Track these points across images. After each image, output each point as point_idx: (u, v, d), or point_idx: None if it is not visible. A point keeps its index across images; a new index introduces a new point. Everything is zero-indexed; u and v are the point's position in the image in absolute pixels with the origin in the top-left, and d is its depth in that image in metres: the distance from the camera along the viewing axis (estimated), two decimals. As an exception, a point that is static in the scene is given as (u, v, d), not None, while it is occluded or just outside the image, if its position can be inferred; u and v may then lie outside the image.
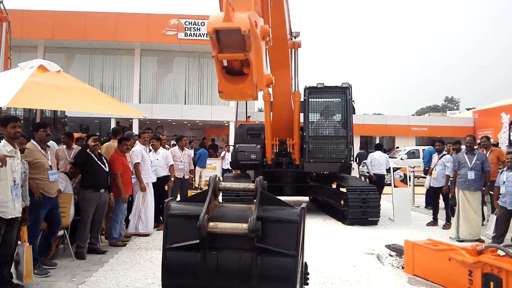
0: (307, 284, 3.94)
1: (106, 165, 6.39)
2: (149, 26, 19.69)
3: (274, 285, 3.29)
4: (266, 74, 3.79)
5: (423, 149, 20.21)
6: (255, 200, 3.44)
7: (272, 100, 9.08)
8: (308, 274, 3.97)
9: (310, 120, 9.66)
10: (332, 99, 9.86)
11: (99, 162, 6.23)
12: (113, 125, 20.01)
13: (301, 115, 9.66)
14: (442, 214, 9.30)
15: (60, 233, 5.86)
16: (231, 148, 16.75)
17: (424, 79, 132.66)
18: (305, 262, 3.86)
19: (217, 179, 3.71)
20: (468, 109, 41.10)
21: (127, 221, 7.62)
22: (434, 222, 9.17)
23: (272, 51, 7.35)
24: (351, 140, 9.55)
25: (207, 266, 3.32)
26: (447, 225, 8.74)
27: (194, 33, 19.59)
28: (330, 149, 9.53)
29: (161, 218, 8.33)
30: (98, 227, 6.34)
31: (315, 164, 9.68)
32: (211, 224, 3.30)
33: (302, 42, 8.85)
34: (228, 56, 3.32)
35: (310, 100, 9.66)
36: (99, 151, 6.46)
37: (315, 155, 9.48)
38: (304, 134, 9.54)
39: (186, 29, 19.60)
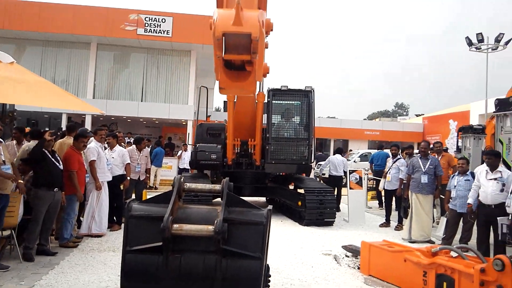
0: (268, 286, 3.93)
1: (60, 162, 6.11)
2: (107, 20, 19.06)
3: (238, 287, 3.26)
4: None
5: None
6: (215, 201, 3.41)
7: (235, 100, 9.05)
8: (269, 276, 3.96)
9: (272, 122, 9.71)
10: (295, 102, 9.98)
11: (53, 159, 5.94)
12: (64, 120, 19.24)
13: (263, 116, 9.71)
14: (394, 216, 9.61)
15: (7, 233, 5.53)
16: (189, 147, 16.61)
17: (375, 85, 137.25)
18: (267, 264, 3.85)
19: (181, 179, 3.64)
20: (417, 115, 42.90)
21: (78, 221, 7.33)
22: (386, 223, 9.48)
23: None
24: (313, 142, 9.73)
25: (170, 269, 3.24)
26: (399, 227, 9.05)
27: (154, 30, 19.16)
28: (291, 151, 9.64)
29: (115, 218, 8.10)
30: (49, 227, 6.03)
31: (277, 165, 9.79)
32: (175, 226, 3.23)
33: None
34: (234, 57, 3.22)
35: (273, 102, 9.73)
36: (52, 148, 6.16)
37: (277, 156, 9.56)
38: (267, 135, 9.58)
39: (146, 25, 19.14)
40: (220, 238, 3.17)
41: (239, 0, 2.87)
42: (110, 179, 7.63)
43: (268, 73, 3.40)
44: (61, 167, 6.10)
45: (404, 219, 8.81)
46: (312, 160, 10.16)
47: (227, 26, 2.95)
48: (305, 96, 9.83)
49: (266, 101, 9.53)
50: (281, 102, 9.93)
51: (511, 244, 6.33)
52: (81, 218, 7.38)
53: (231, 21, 2.93)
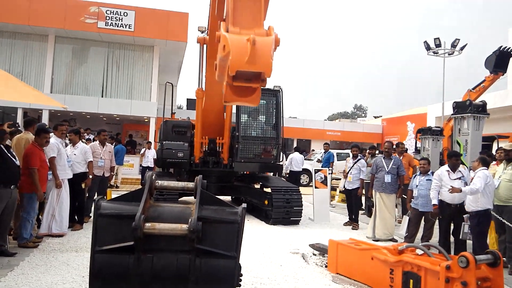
0: (240, 285, 3.88)
1: (16, 158, 5.80)
2: (66, 11, 18.31)
3: (212, 287, 3.18)
4: None
5: (337, 153, 21.30)
6: (181, 199, 3.31)
7: (204, 97, 8.93)
8: (241, 275, 3.91)
9: (241, 121, 9.66)
10: (263, 101, 9.96)
11: (9, 154, 5.63)
12: (19, 115, 18.35)
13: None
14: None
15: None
16: (152, 145, 16.27)
17: (335, 87, 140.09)
18: (239, 264, 3.80)
19: (153, 177, 3.52)
20: (375, 117, 44.04)
21: (37, 220, 6.99)
22: (351, 222, 9.64)
23: (216, 44, 7.24)
24: (281, 141, 9.76)
25: (142, 269, 3.12)
26: (349, 223, 9.33)
27: (115, 23, 18.60)
28: (260, 150, 9.63)
29: (76, 217, 7.79)
30: (6, 226, 5.70)
31: (245, 164, 9.75)
32: (147, 224, 3.11)
33: None
34: (244, 85, 3.15)
35: None
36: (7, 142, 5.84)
37: (246, 155, 9.52)
38: (236, 134, 9.51)
39: (107, 18, 18.56)
40: (194, 237, 3.08)
41: (254, 40, 2.82)
42: (71, 176, 7.33)
43: (278, 45, 3.29)
44: (18, 162, 5.79)
45: (368, 217, 8.99)
46: (281, 159, 10.19)
47: (241, 65, 2.91)
48: (274, 95, 9.87)
49: None
50: None
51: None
52: (40, 217, 7.05)
53: (245, 59, 2.88)
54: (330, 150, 15.09)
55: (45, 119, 18.50)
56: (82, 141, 9.17)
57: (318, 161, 16.86)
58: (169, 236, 3.15)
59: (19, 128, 7.41)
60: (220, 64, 3.24)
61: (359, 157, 9.72)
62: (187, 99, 28.59)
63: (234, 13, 3.25)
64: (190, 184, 3.53)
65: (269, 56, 2.98)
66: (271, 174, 10.98)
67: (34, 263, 5.40)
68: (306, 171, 18.01)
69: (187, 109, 27.54)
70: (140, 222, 3.03)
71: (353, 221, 9.40)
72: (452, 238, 6.89)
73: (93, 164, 8.16)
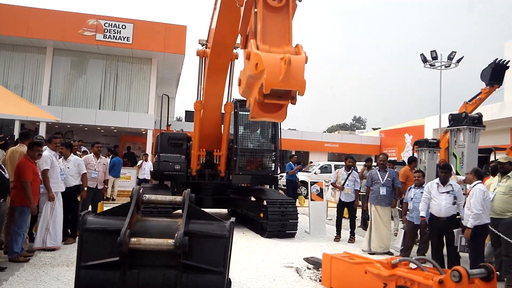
0: (230, 301, 3.83)
1: (5, 171, 5.76)
2: (64, 24, 18.40)
3: (199, 304, 3.14)
4: None
5: (335, 165, 21.29)
6: (175, 213, 3.29)
7: (202, 110, 8.96)
8: (231, 290, 3.86)
9: (239, 133, 9.65)
10: None
11: (-2, 167, 5.60)
12: (17, 127, 18.30)
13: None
14: (347, 227, 9.55)
15: None
16: (149, 157, 16.22)
17: (334, 99, 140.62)
18: (229, 279, 3.75)
19: (140, 190, 3.49)
20: (374, 129, 44.15)
21: (29, 234, 6.92)
22: (338, 237, 9.40)
23: (217, 57, 7.33)
24: (279, 154, 9.74)
25: (127, 285, 3.08)
26: (337, 238, 9.14)
27: (113, 36, 18.70)
28: (258, 162, 9.62)
29: (69, 231, 7.73)
30: (-5, 240, 5.66)
31: (243, 177, 9.73)
32: (133, 239, 3.08)
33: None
34: (274, 102, 3.17)
35: (240, 112, 9.68)
36: None
37: (243, 167, 9.49)
38: (234, 146, 9.48)
39: (106, 30, 18.65)
40: (181, 252, 3.05)
41: (290, 59, 2.86)
42: (63, 189, 7.28)
43: (306, 63, 3.32)
44: (7, 175, 5.75)
45: (364, 230, 8.91)
46: (278, 172, 10.16)
47: (276, 83, 2.95)
48: None
49: (233, 112, 9.48)
50: (248, 113, 9.88)
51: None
52: (33, 231, 6.98)
53: (279, 78, 2.92)
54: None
55: (42, 131, 18.47)
56: (77, 153, 9.16)
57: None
58: (155, 251, 3.12)
59: (9, 142, 7.38)
60: (249, 81, 3.26)
61: (353, 169, 9.62)
62: (186, 111, 28.62)
63: (263, 30, 3.30)
64: (178, 198, 3.51)
65: (303, 75, 3.04)
66: (268, 186, 10.94)
67: (24, 278, 5.33)
68: (303, 183, 17.97)
69: (185, 121, 27.56)
70: (125, 237, 3.00)
71: (336, 234, 9.24)
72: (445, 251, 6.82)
73: (86, 176, 8.12)
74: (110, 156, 14.43)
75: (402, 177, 8.98)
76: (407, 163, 9.50)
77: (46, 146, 7.20)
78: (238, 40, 7.16)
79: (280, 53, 3.06)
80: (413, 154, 15.27)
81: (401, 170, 9.46)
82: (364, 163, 11.16)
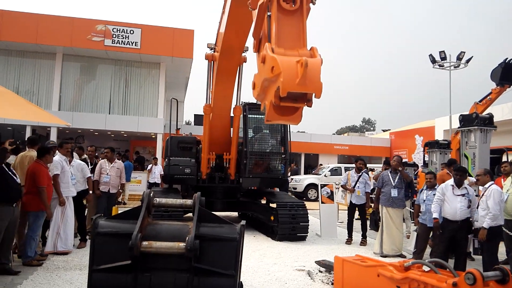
0: (241, 304, 3.80)
1: (17, 176, 5.81)
2: (73, 30, 18.60)
3: (211, 307, 3.12)
4: None
5: (345, 167, 21.19)
6: (186, 216, 3.28)
7: (212, 113, 8.97)
8: (243, 294, 3.84)
9: (249, 136, 9.65)
10: None
11: (9, 172, 5.64)
12: (28, 132, 18.52)
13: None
14: (359, 230, 9.55)
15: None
16: (159, 161, 16.29)
17: (343, 101, 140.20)
18: (241, 282, 3.73)
19: (151, 194, 3.49)
20: (384, 130, 43.85)
21: (42, 238, 6.98)
22: (362, 239, 9.36)
23: (226, 61, 7.35)
24: (289, 156, 9.71)
25: (139, 289, 3.07)
26: (349, 241, 9.08)
27: (122, 41, 18.84)
28: (268, 165, 9.60)
29: (78, 234, 7.79)
30: (9, 244, 5.70)
31: (253, 180, 9.73)
32: (144, 243, 3.07)
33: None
34: (290, 105, 3.18)
35: (249, 116, 9.68)
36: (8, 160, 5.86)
37: (253, 170, 9.48)
38: (244, 149, 9.48)
39: (114, 36, 18.81)
40: (192, 255, 3.04)
41: (307, 63, 2.86)
42: (75, 194, 7.34)
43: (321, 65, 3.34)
44: (18, 180, 5.81)
45: (375, 232, 8.82)
46: (288, 175, 10.14)
47: (293, 86, 2.95)
48: None
49: (242, 115, 9.49)
50: (257, 116, 9.88)
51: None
52: (46, 235, 7.04)
53: (296, 81, 2.92)
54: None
55: (53, 136, 18.66)
56: (94, 158, 9.27)
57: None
58: (166, 255, 3.11)
59: (20, 147, 7.45)
60: (264, 84, 3.26)
61: (364, 170, 9.58)
62: (195, 115, 28.71)
63: (278, 33, 3.29)
64: (189, 201, 3.50)
65: (319, 78, 3.03)
66: (277, 189, 10.92)
67: (38, 281, 5.37)
68: (313, 185, 17.89)
69: (194, 124, 27.64)
70: (137, 241, 3.00)
71: (348, 236, 9.20)
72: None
73: (96, 180, 8.21)
74: (120, 160, 14.48)
75: (439, 181, 8.81)
76: (446, 166, 9.01)
77: (57, 151, 7.27)
78: (247, 44, 7.24)
79: (296, 56, 3.05)
80: (424, 155, 15.18)
81: (438, 174, 9.10)
82: (382, 165, 10.97)
